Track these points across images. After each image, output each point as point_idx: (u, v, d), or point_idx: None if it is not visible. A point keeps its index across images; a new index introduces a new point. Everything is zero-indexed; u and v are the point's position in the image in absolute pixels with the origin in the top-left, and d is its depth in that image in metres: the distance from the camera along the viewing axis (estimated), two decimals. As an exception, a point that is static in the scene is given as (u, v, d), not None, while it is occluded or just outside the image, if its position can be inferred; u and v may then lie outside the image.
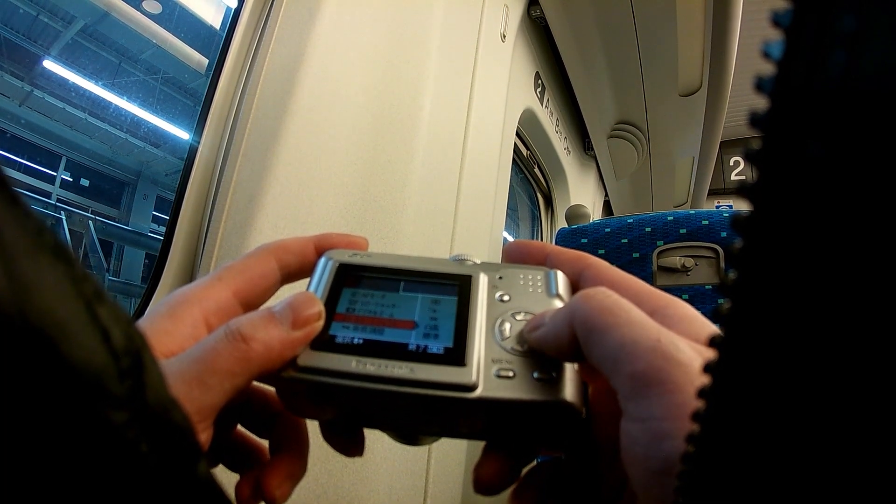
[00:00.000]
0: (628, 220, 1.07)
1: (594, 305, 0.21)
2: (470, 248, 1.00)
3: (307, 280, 0.27)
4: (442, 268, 0.27)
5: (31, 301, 0.12)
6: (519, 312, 0.25)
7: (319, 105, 0.69)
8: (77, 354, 0.12)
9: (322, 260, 0.27)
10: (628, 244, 1.04)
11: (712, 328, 0.21)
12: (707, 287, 1.00)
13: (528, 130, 1.67)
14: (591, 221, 1.16)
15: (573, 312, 0.21)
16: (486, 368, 0.23)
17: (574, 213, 1.59)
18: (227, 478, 0.21)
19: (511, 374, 0.22)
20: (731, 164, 4.26)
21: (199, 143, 0.71)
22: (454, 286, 0.26)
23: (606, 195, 2.61)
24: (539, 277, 0.26)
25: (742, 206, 0.12)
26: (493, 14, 1.12)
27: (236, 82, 0.74)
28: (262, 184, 0.62)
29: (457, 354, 0.23)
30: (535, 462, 0.25)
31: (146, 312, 0.24)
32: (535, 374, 0.22)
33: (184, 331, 0.23)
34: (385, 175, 0.77)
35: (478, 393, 0.22)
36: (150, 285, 0.66)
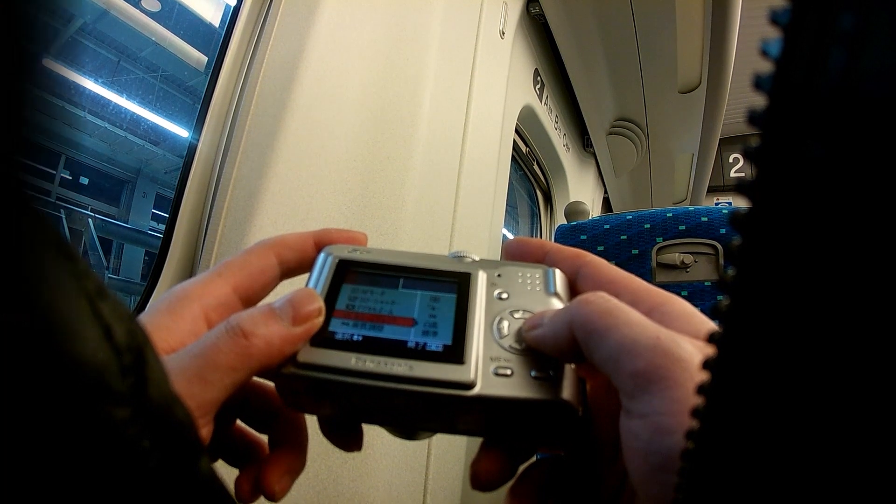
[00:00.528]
0: (627, 217, 1.07)
1: (593, 309, 0.21)
2: (469, 245, 1.00)
3: (306, 275, 0.27)
4: (441, 265, 0.27)
5: (34, 297, 0.12)
6: (517, 311, 0.25)
7: (319, 102, 0.68)
8: (79, 351, 0.12)
9: (321, 255, 0.27)
10: (627, 241, 1.05)
11: (710, 325, 0.21)
12: (706, 283, 1.00)
13: (527, 127, 1.67)
14: (590, 218, 1.16)
15: (572, 316, 0.21)
16: (485, 366, 0.23)
17: (573, 210, 1.59)
18: (226, 473, 0.22)
19: (509, 372, 0.23)
20: (731, 160, 4.26)
21: (198, 140, 0.71)
22: (453, 283, 0.26)
23: (606, 192, 2.61)
24: (537, 275, 0.26)
25: (741, 203, 0.12)
26: (492, 11, 1.12)
27: (235, 80, 0.74)
28: (262, 181, 0.62)
29: (455, 352, 0.23)
30: (533, 458, 0.25)
31: (146, 308, 0.24)
32: (533, 373, 0.22)
33: (184, 327, 0.23)
34: (384, 172, 0.77)
35: (476, 391, 0.22)
36: (151, 282, 0.66)
